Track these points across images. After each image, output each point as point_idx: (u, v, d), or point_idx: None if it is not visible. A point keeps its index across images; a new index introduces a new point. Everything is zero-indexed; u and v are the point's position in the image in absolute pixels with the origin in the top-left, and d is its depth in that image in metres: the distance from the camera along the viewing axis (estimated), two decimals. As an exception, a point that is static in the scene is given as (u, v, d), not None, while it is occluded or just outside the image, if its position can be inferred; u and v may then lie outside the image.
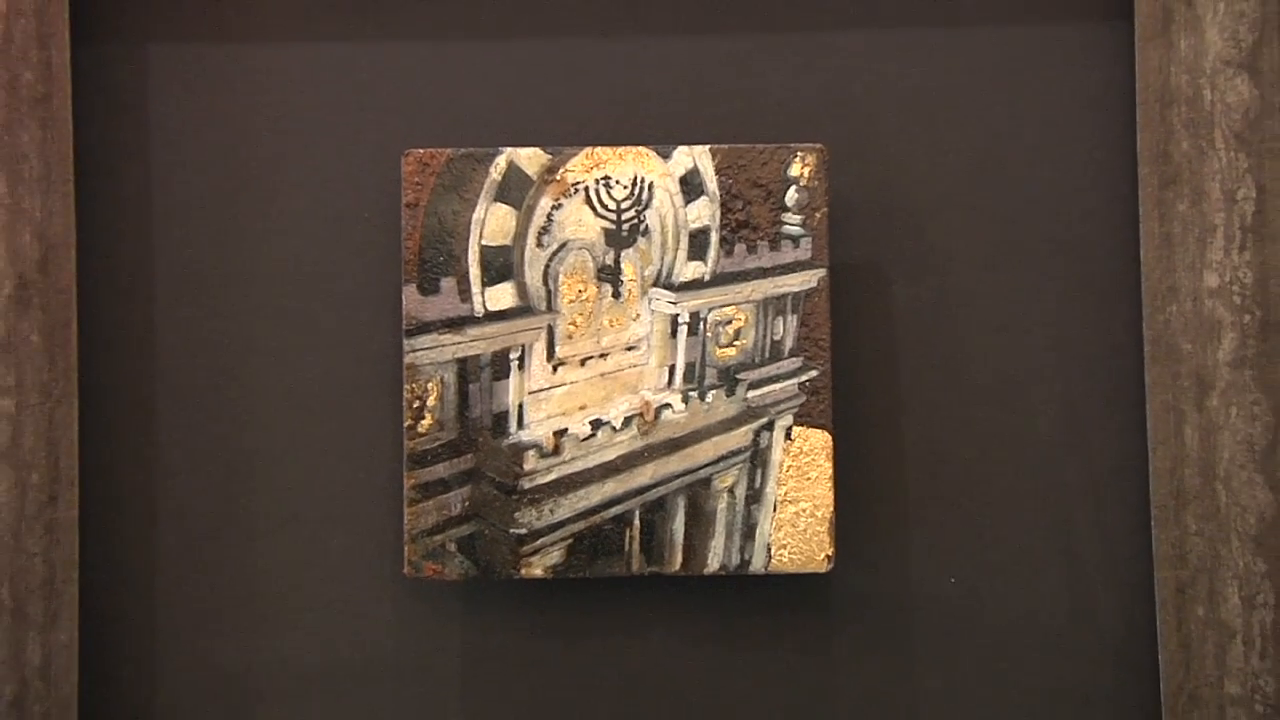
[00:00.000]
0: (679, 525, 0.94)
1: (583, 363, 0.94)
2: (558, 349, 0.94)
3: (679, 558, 0.94)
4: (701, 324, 0.94)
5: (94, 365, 0.96)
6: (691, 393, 0.94)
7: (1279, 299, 0.94)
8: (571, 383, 0.95)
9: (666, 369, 0.94)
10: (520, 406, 0.94)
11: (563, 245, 0.94)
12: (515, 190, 0.93)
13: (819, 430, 0.94)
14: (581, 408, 0.94)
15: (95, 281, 0.96)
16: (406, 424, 0.93)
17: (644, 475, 0.94)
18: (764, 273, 0.94)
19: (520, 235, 0.93)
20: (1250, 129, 0.94)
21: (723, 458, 0.94)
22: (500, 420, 0.93)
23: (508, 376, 0.94)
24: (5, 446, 0.92)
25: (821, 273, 0.93)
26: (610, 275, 0.94)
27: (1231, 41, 0.94)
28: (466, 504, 0.94)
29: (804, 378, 0.94)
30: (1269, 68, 0.94)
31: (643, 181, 0.94)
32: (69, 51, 0.94)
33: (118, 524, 0.96)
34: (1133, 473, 0.97)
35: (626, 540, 0.94)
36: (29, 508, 0.93)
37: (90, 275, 0.96)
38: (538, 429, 0.94)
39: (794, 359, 0.94)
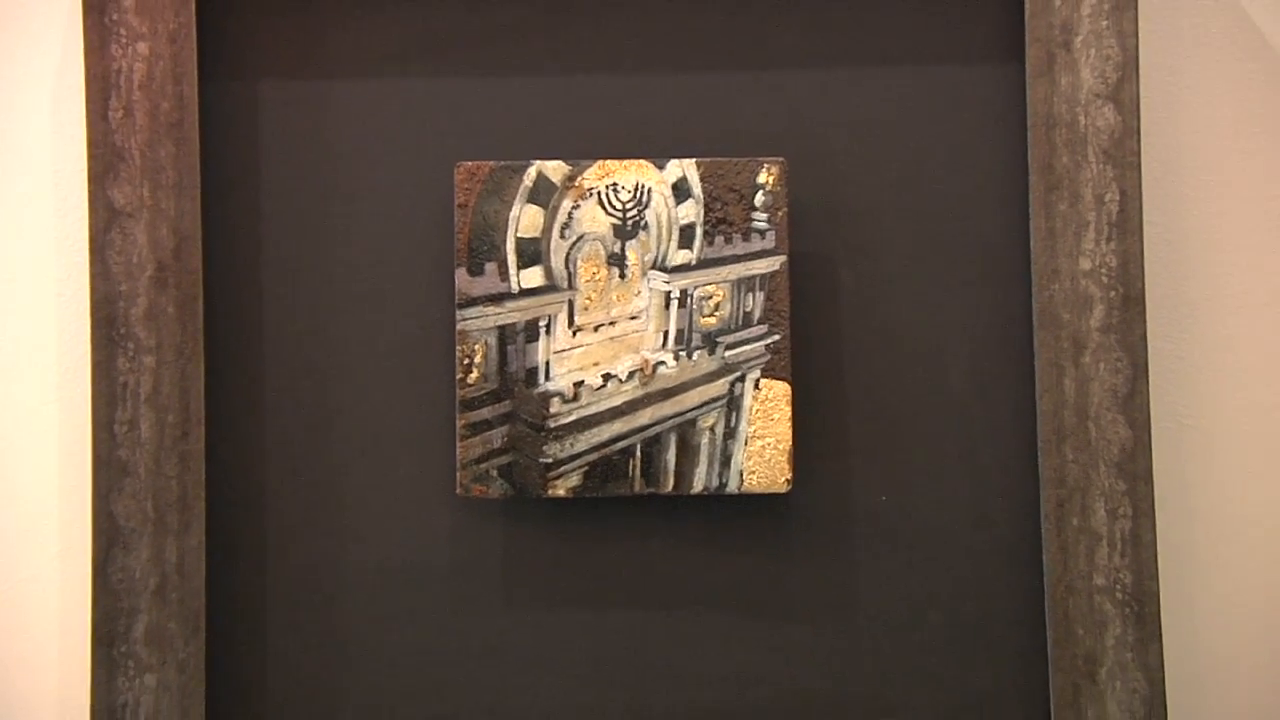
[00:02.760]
0: (671, 456, 0.98)
1: (596, 329, 0.98)
2: (576, 318, 0.98)
3: (671, 481, 0.98)
4: (689, 299, 0.98)
5: (216, 330, 1.01)
6: (681, 352, 0.98)
7: (1136, 279, 0.99)
8: (587, 345, 0.98)
9: (662, 334, 0.98)
10: (547, 363, 0.98)
11: (580, 237, 0.98)
12: (543, 194, 0.98)
13: (781, 381, 0.98)
14: (595, 364, 0.98)
15: (217, 265, 1.01)
16: (458, 377, 0.98)
17: (644, 417, 0.98)
18: (738, 259, 0.98)
19: (547, 229, 0.98)
20: (1115, 147, 0.99)
21: (705, 403, 0.98)
22: (532, 374, 0.98)
23: (537, 339, 0.98)
24: (148, 393, 0.98)
25: (783, 259, 0.98)
26: (617, 261, 0.98)
27: (1100, 79, 0.99)
28: (505, 439, 0.98)
29: (769, 341, 0.98)
30: (1128, 99, 0.99)
31: (643, 187, 0.98)
32: (197, 86, 0.99)
33: (234, 453, 1.01)
34: (1024, 414, 1.01)
35: (630, 468, 0.98)
36: (166, 441, 0.98)
37: (213, 260, 1.01)
38: (561, 381, 0.98)
39: (761, 326, 0.98)
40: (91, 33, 0.98)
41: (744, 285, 0.98)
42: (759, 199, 0.98)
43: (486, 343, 0.98)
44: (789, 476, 0.98)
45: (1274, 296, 1.05)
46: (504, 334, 0.98)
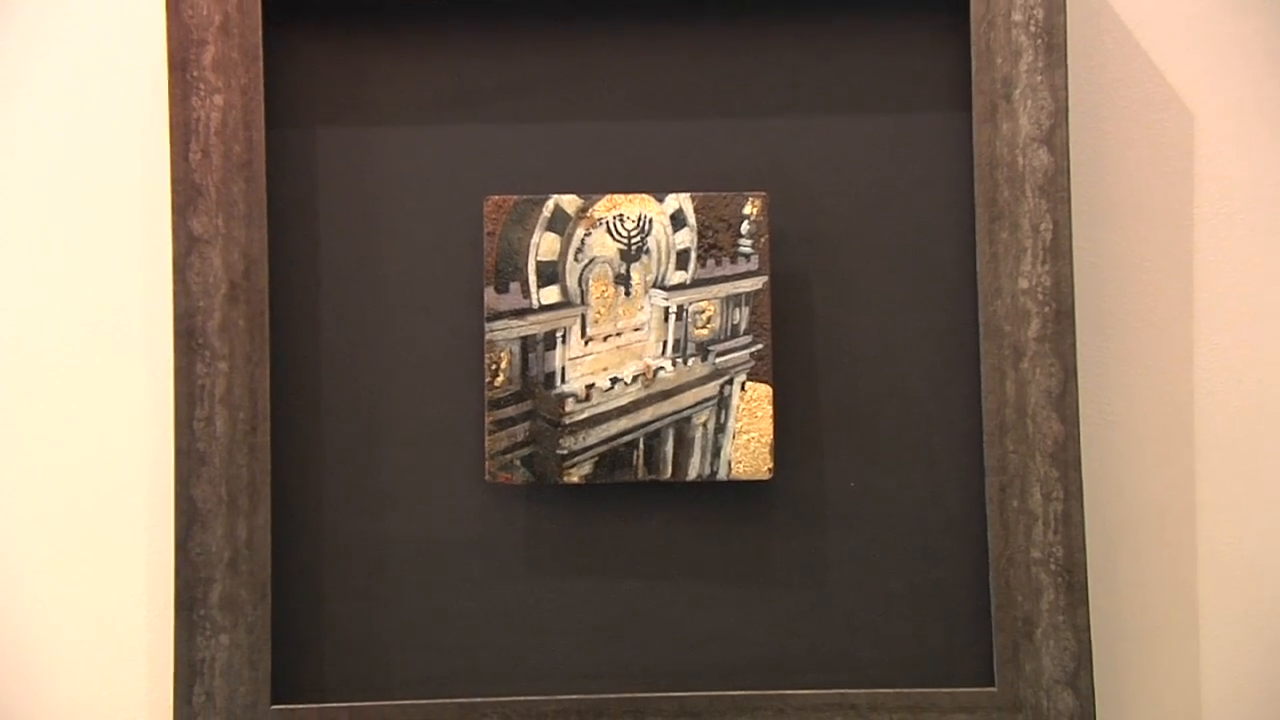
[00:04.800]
0: (670, 448, 1.00)
1: (605, 339, 1.00)
2: (588, 330, 1.00)
3: (670, 469, 1.00)
4: (685, 313, 1.00)
5: (280, 340, 1.02)
6: (678, 359, 1.00)
7: (1067, 296, 1.00)
8: (597, 353, 1.00)
9: (661, 343, 1.00)
10: (563, 368, 0.99)
11: (591, 260, 1.00)
12: (559, 223, 0.99)
13: (764, 384, 0.99)
14: (604, 369, 1.00)
15: (281, 284, 1.02)
16: (487, 380, 0.99)
17: (646, 414, 1.00)
18: (726, 279, 0.99)
19: (563, 253, 0.99)
20: (1048, 184, 1.00)
21: (699, 403, 1.00)
22: (550, 378, 0.99)
23: (555, 348, 0.99)
24: (222, 394, 0.99)
25: (765, 278, 0.99)
26: (623, 280, 1.00)
27: (1036, 125, 1.00)
28: (527, 434, 0.99)
29: (753, 349, 1.00)
30: (1060, 143, 1.00)
31: (645, 217, 1.00)
32: (264, 131, 1.00)
33: (296, 446, 1.02)
34: (971, 411, 1.02)
35: (634, 458, 1.00)
36: (237, 435, 1.00)
37: (277, 280, 1.02)
38: (575, 383, 0.99)
39: (747, 336, 0.99)
40: (175, 87, 1.00)
41: (732, 301, 1.00)
42: (744, 228, 1.00)
43: (511, 351, 0.99)
44: (770, 466, 1.00)
45: (1183, 310, 1.06)
46: (526, 343, 0.99)
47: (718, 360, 1.00)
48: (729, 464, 1.00)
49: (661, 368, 1.00)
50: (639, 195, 1.00)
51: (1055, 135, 1.01)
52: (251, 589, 1.00)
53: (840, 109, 1.04)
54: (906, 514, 1.03)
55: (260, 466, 1.00)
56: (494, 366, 1.00)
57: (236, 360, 1.00)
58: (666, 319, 1.00)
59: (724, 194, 1.00)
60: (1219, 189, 1.07)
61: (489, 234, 1.00)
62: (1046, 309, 1.01)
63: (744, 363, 1.00)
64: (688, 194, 1.00)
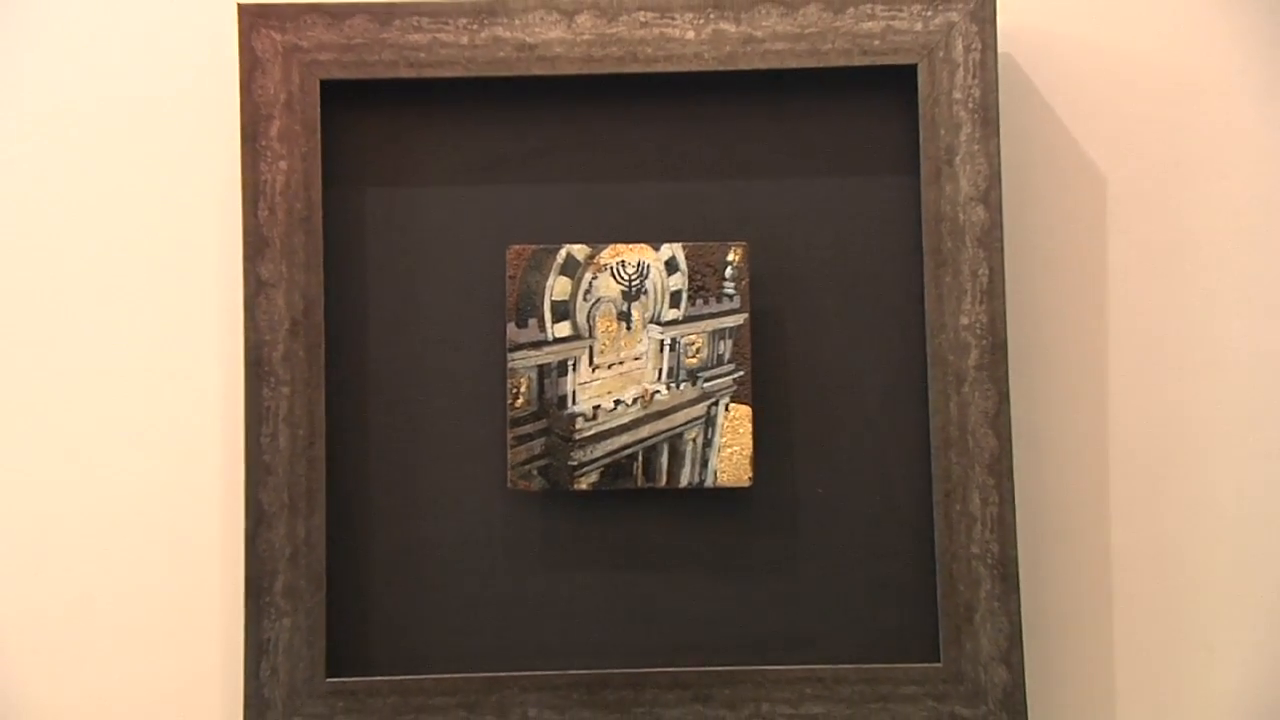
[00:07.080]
0: (664, 460, 1.02)
1: (609, 367, 1.02)
2: (595, 359, 1.02)
3: (664, 478, 1.02)
4: (678, 344, 1.02)
5: (334, 368, 1.05)
6: (671, 384, 1.02)
7: (1001, 331, 1.03)
8: (603, 378, 1.02)
9: (657, 370, 1.02)
10: (574, 392, 1.02)
11: (598, 300, 1.03)
12: (571, 268, 1.02)
13: (744, 405, 1.02)
14: (609, 392, 1.02)
15: (335, 320, 1.05)
16: (509, 402, 1.02)
17: (644, 431, 1.02)
18: (713, 315, 1.02)
19: (574, 294, 1.02)
20: (985, 236, 1.03)
21: (689, 421, 1.02)
22: (562, 400, 1.02)
23: (567, 374, 1.02)
24: (285, 414, 1.02)
25: (746, 315, 1.02)
26: (625, 317, 1.03)
27: (974, 186, 1.03)
28: (543, 448, 1.02)
29: (736, 375, 1.02)
30: (994, 201, 1.03)
31: (644, 264, 1.03)
32: (321, 191, 1.03)
33: (346, 458, 1.05)
34: (920, 428, 1.05)
35: (634, 469, 1.02)
36: (297, 448, 1.03)
37: (332, 317, 1.04)
38: (584, 405, 1.02)
39: (730, 365, 1.02)
40: (247, 155, 1.03)
41: (717, 335, 1.02)
42: (728, 272, 1.02)
43: (529, 377, 1.02)
44: (750, 475, 1.02)
45: (1098, 343, 1.08)
46: (542, 371, 1.02)
47: (705, 385, 1.02)
48: (715, 473, 1.02)
49: (658, 391, 1.03)
50: (638, 245, 1.03)
51: (990, 195, 1.03)
52: (309, 579, 1.03)
53: (809, 172, 1.06)
54: (866, 516, 1.06)
55: (317, 476, 1.03)
56: (515, 390, 1.02)
57: (297, 385, 1.03)
58: (662, 350, 1.03)
59: (710, 244, 1.03)
60: (1127, 241, 1.09)
61: (511, 278, 1.02)
62: (984, 342, 1.03)
63: (728, 387, 1.02)
64: (680, 244, 1.03)
